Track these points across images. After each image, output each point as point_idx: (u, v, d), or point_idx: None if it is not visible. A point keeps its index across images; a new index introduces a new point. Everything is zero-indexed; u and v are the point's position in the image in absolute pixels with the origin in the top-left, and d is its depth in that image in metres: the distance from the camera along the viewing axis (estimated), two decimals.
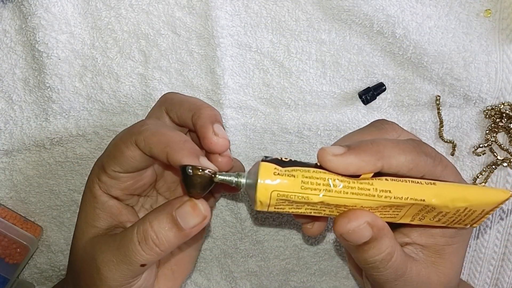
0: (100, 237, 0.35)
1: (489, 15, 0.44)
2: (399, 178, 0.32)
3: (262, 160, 0.31)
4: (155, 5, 0.43)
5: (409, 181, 0.32)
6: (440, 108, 0.46)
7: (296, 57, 0.44)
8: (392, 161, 0.31)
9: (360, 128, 0.37)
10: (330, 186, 0.30)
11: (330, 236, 0.50)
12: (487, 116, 0.46)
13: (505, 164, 0.47)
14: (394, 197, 0.31)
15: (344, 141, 0.35)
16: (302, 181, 0.30)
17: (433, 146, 0.47)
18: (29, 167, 0.47)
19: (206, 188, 0.32)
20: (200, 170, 0.31)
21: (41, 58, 0.43)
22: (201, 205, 0.33)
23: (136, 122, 0.36)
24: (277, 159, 0.31)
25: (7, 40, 0.43)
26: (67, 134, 0.45)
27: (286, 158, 0.32)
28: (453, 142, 0.47)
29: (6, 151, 0.46)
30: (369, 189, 0.31)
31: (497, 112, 0.46)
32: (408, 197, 0.31)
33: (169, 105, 0.38)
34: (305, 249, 0.50)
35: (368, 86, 0.45)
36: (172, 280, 0.41)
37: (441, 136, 0.47)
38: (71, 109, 0.45)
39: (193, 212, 0.32)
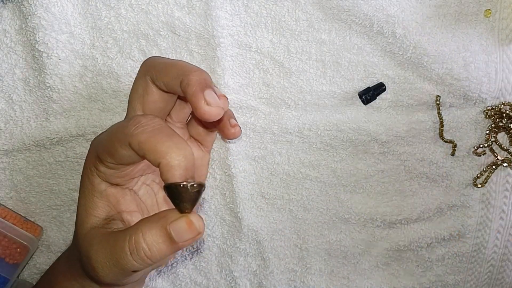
0: (97, 230, 0.35)
1: (489, 15, 0.44)
2: None
3: None
4: (154, 5, 0.43)
5: None
6: (440, 108, 0.46)
7: (296, 57, 0.44)
8: None
9: None
10: None
11: (331, 236, 0.50)
12: (487, 116, 0.46)
13: (505, 164, 0.47)
14: None
15: None
16: None
17: (433, 146, 0.47)
18: (29, 167, 0.47)
19: (196, 201, 0.31)
20: (189, 186, 0.30)
21: (41, 58, 0.43)
22: (196, 221, 0.31)
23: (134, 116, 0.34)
24: None
25: (7, 40, 0.43)
26: (67, 134, 0.45)
27: None
28: (453, 142, 0.47)
29: (6, 151, 0.46)
30: None
31: (497, 112, 0.46)
32: None
33: (154, 73, 0.36)
34: (305, 249, 0.50)
35: (368, 86, 0.45)
36: None
37: (441, 136, 0.47)
38: (72, 109, 0.45)
39: (188, 229, 0.31)
